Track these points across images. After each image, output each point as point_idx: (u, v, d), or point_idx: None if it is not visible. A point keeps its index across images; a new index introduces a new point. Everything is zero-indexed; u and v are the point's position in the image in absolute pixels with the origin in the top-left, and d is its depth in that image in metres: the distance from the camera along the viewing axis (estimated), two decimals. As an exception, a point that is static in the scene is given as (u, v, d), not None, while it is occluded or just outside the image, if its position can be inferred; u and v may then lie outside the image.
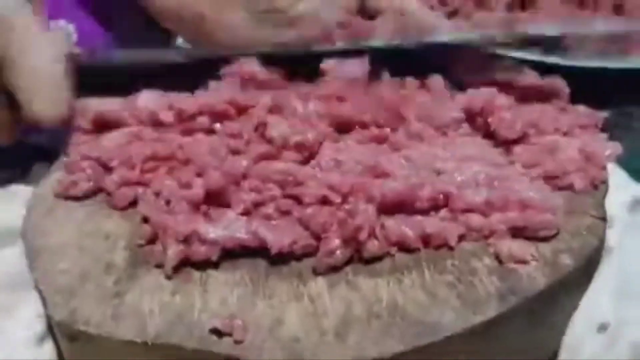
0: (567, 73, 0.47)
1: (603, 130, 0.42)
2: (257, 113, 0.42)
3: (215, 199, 0.35)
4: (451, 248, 0.33)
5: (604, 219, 0.35)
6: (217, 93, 0.44)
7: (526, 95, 0.44)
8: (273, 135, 0.40)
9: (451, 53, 0.47)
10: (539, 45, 0.69)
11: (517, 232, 0.33)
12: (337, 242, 0.32)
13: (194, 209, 0.35)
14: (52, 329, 0.35)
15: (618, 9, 0.73)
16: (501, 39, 0.50)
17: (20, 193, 0.45)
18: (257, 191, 0.36)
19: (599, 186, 0.37)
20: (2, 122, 0.45)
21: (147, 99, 0.45)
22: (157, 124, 0.43)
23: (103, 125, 0.44)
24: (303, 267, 0.33)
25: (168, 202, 0.36)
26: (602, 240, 0.35)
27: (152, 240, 0.35)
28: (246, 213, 0.35)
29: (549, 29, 0.49)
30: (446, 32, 0.49)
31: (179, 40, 0.67)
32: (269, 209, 0.35)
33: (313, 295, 0.31)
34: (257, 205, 0.35)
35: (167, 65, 0.48)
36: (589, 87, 0.46)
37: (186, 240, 0.33)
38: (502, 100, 0.42)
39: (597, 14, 0.73)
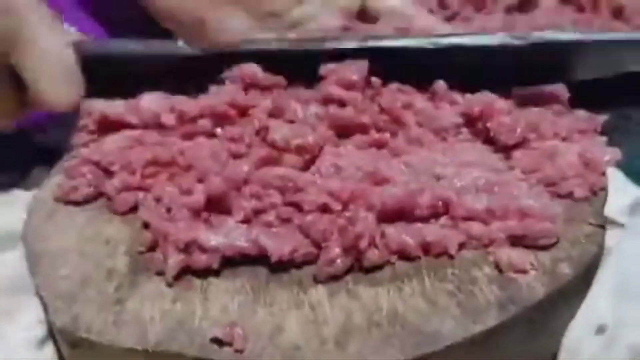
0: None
1: (602, 133, 0.42)
2: (257, 116, 0.42)
3: (216, 205, 0.35)
4: (451, 256, 0.33)
5: (603, 226, 0.35)
6: (218, 95, 0.44)
7: (526, 101, 0.44)
8: (275, 138, 0.40)
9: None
10: None
11: (516, 241, 0.33)
12: (337, 250, 0.32)
13: (194, 216, 0.35)
14: (53, 334, 0.35)
15: (617, 13, 0.73)
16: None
17: (20, 196, 0.45)
18: (258, 197, 0.36)
19: (598, 193, 0.37)
20: (7, 104, 0.45)
21: (150, 101, 0.45)
22: (159, 126, 0.43)
23: (106, 126, 0.44)
24: (303, 275, 0.33)
25: (169, 209, 0.36)
26: (601, 248, 0.35)
27: (152, 247, 0.35)
28: (247, 220, 0.35)
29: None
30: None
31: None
32: (270, 217, 0.35)
33: (313, 303, 0.31)
34: (258, 212, 0.35)
35: (175, 58, 0.47)
36: (588, 90, 0.46)
37: (187, 248, 0.33)
38: (501, 104, 0.42)
39: (596, 18, 0.73)
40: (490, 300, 0.30)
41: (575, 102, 0.45)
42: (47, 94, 0.44)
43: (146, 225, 0.36)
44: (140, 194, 0.39)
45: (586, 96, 0.45)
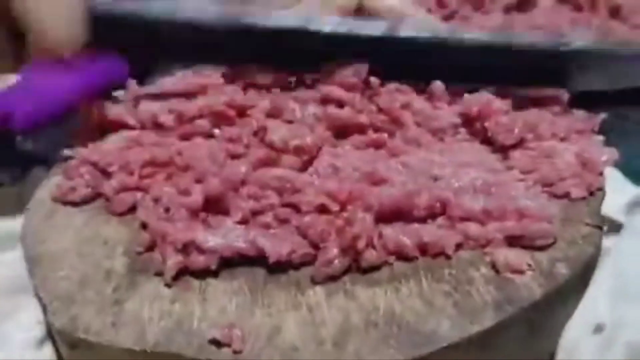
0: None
1: (600, 132, 0.43)
2: (256, 116, 0.42)
3: (214, 206, 0.36)
4: (448, 257, 0.33)
5: (600, 227, 0.35)
6: (216, 96, 0.44)
7: (525, 103, 0.44)
8: (273, 139, 0.40)
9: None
10: None
11: (513, 241, 0.33)
12: (335, 251, 0.32)
13: (192, 216, 0.35)
14: (52, 334, 0.35)
15: (614, 12, 0.73)
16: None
17: (19, 197, 0.45)
18: (256, 198, 0.36)
19: (595, 193, 0.37)
20: (4, 59, 0.44)
21: (149, 103, 0.45)
22: (157, 126, 0.43)
23: (105, 127, 0.44)
24: (301, 276, 0.33)
25: (167, 209, 0.36)
26: (598, 249, 0.35)
27: (150, 248, 0.35)
28: (244, 221, 0.35)
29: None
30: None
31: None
32: (267, 218, 0.35)
33: (311, 304, 0.31)
34: (256, 213, 0.35)
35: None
36: (587, 90, 0.46)
37: (185, 248, 0.33)
38: (499, 104, 0.42)
39: (593, 17, 0.73)
40: (487, 301, 0.31)
41: (573, 102, 0.45)
42: (51, 34, 0.42)
43: (144, 226, 0.36)
44: (139, 195, 0.39)
45: (584, 96, 0.45)
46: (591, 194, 0.37)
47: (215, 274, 0.33)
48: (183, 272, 0.33)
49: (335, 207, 0.34)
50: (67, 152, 0.43)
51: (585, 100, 0.45)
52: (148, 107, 0.44)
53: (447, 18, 0.73)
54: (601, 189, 0.38)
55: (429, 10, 0.73)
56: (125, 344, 0.30)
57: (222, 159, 0.39)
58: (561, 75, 0.45)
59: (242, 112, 0.43)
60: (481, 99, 0.43)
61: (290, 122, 0.42)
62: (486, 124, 0.41)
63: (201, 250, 0.33)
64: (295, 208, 0.35)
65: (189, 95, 0.45)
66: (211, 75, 0.47)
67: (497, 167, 0.39)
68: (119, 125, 0.44)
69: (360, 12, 0.58)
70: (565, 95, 0.45)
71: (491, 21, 0.73)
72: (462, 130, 0.43)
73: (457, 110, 0.43)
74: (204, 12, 0.46)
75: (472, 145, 0.42)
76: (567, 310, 0.34)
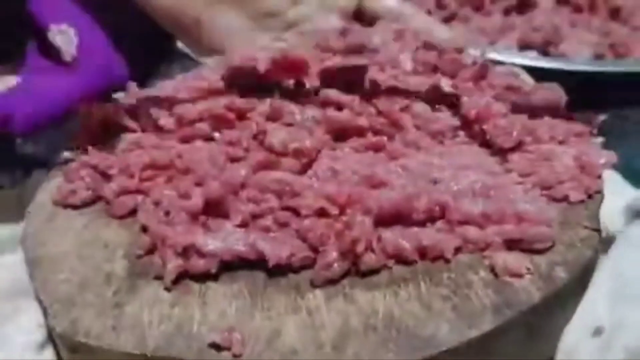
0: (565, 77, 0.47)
1: (599, 134, 0.43)
2: (255, 119, 0.42)
3: (213, 209, 0.36)
4: (447, 260, 0.33)
5: (598, 230, 0.35)
6: (216, 99, 0.45)
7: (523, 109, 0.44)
8: (272, 142, 0.40)
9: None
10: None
11: (512, 245, 0.34)
12: (334, 255, 0.32)
13: (192, 220, 0.35)
14: (53, 337, 0.35)
15: (614, 13, 0.73)
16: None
17: (20, 199, 0.45)
18: (255, 202, 0.36)
19: (593, 196, 0.38)
20: None
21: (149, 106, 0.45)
22: (157, 129, 0.44)
23: (105, 130, 0.44)
24: (301, 280, 0.33)
25: (167, 212, 0.36)
26: (596, 252, 0.35)
27: (151, 251, 0.35)
28: (244, 224, 0.35)
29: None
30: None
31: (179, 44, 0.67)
32: (267, 221, 0.35)
33: (311, 307, 0.31)
34: (255, 216, 0.35)
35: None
36: (585, 91, 0.46)
37: (185, 252, 0.33)
38: (498, 107, 0.42)
39: (593, 18, 0.73)
40: (486, 305, 0.31)
41: (573, 104, 0.45)
42: None
43: (144, 229, 0.36)
44: (139, 198, 0.39)
45: (584, 97, 0.46)
46: (589, 197, 0.37)
47: (215, 277, 0.33)
48: (183, 276, 0.33)
49: (334, 211, 0.34)
50: (67, 154, 0.43)
51: (585, 102, 0.46)
52: (148, 110, 0.44)
53: (447, 19, 0.73)
54: (599, 192, 0.38)
55: (429, 12, 0.73)
56: (126, 347, 0.30)
57: (222, 162, 0.39)
58: None
59: (241, 115, 0.43)
60: (480, 103, 0.43)
61: (289, 125, 0.42)
62: (485, 127, 0.41)
63: (201, 254, 0.33)
64: (295, 211, 0.35)
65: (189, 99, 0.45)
66: (211, 78, 0.48)
67: (495, 169, 0.39)
68: (119, 128, 0.44)
69: (360, 13, 0.58)
70: (563, 98, 0.45)
71: (491, 22, 0.73)
72: (461, 133, 0.43)
73: (456, 113, 0.43)
74: None
75: (471, 148, 0.42)
76: (565, 313, 0.34)
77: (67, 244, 0.37)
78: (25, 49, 0.57)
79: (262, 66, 0.46)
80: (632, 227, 0.47)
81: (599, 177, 0.38)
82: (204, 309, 0.32)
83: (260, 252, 0.33)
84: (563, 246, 0.34)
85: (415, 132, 0.42)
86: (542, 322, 0.32)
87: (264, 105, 0.43)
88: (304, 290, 0.32)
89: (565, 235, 0.35)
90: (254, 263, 0.33)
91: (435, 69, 0.48)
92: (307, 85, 0.46)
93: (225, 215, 0.36)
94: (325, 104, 0.44)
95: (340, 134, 0.42)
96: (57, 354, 0.35)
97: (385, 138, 0.42)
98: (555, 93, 0.45)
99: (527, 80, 0.54)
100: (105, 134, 0.45)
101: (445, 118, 0.43)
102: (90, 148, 0.43)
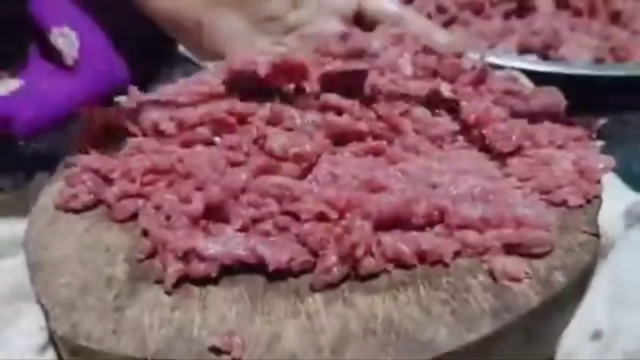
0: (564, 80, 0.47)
1: (599, 137, 0.43)
2: (256, 124, 0.43)
3: (214, 214, 0.36)
4: (446, 265, 0.33)
5: (597, 235, 0.36)
6: (217, 103, 0.45)
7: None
8: (273, 146, 0.40)
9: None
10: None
11: (511, 249, 0.34)
12: (334, 259, 0.33)
13: (193, 224, 0.35)
14: (54, 340, 0.35)
15: (614, 17, 0.73)
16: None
17: (22, 203, 0.46)
18: (255, 206, 0.36)
19: (592, 201, 0.38)
20: None
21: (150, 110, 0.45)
22: (158, 133, 0.44)
23: (107, 133, 0.45)
24: (300, 284, 0.33)
25: (168, 217, 0.36)
26: (595, 256, 0.35)
27: (151, 255, 0.35)
28: (244, 229, 0.35)
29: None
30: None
31: (180, 48, 0.68)
32: (267, 225, 0.35)
33: (310, 311, 0.31)
34: (255, 221, 0.36)
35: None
36: (585, 95, 0.46)
37: (185, 256, 0.33)
38: (497, 112, 0.43)
39: (593, 23, 0.73)
40: (485, 309, 0.31)
41: (573, 108, 0.45)
42: None
43: (145, 233, 0.37)
44: (140, 202, 0.39)
45: (584, 101, 0.46)
46: (588, 201, 0.37)
47: (215, 281, 0.33)
48: (183, 280, 0.33)
49: (334, 215, 0.35)
50: (69, 158, 0.43)
51: (585, 106, 0.46)
52: (149, 114, 0.44)
53: (447, 23, 0.73)
54: (598, 197, 0.38)
55: (429, 15, 0.73)
56: (126, 351, 0.30)
57: (223, 166, 0.39)
58: None
59: (242, 119, 0.43)
60: (479, 107, 0.43)
61: (289, 129, 0.42)
62: (484, 132, 0.41)
63: (201, 258, 0.33)
64: (295, 216, 0.35)
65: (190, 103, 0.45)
66: (212, 83, 0.48)
67: (495, 174, 0.39)
68: (120, 132, 0.44)
69: (360, 18, 0.59)
70: (563, 103, 0.45)
71: (491, 26, 0.73)
72: (460, 137, 0.43)
73: (455, 118, 0.44)
74: None
75: (470, 152, 0.42)
76: (564, 317, 0.34)
77: (68, 247, 0.37)
78: (27, 52, 0.58)
79: (262, 70, 0.46)
80: (632, 232, 0.47)
81: (598, 181, 0.39)
82: (204, 312, 0.32)
83: (260, 257, 0.33)
84: (562, 251, 0.34)
85: (415, 136, 0.43)
86: (541, 326, 0.32)
87: (265, 110, 0.44)
88: (303, 294, 0.32)
89: (564, 240, 0.35)
90: (254, 267, 0.34)
91: (434, 74, 0.48)
92: (307, 90, 0.47)
93: (226, 220, 0.36)
94: (325, 108, 0.44)
95: (340, 138, 0.43)
96: (58, 356, 0.36)
97: (384, 142, 0.42)
98: (554, 97, 0.45)
99: (527, 84, 0.54)
100: (107, 138, 0.45)
101: (444, 123, 0.43)
102: (91, 152, 0.43)
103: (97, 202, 0.40)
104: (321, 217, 0.35)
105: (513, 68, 0.58)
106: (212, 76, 0.50)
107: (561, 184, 0.38)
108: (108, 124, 0.45)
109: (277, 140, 0.40)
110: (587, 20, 0.75)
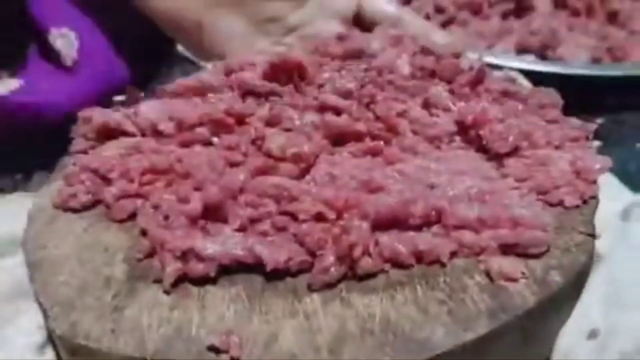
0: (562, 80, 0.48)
1: (596, 137, 0.43)
2: (254, 124, 0.43)
3: (212, 214, 0.36)
4: (443, 264, 0.34)
5: (593, 235, 0.36)
6: (215, 103, 0.45)
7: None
8: (271, 147, 0.40)
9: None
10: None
11: (507, 249, 0.34)
12: (331, 259, 0.33)
13: (191, 224, 0.35)
14: (53, 339, 0.36)
15: (612, 17, 0.73)
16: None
17: (21, 202, 0.46)
18: (253, 206, 0.36)
19: (588, 201, 0.38)
20: None
21: (149, 109, 0.45)
22: (156, 133, 0.44)
23: (105, 134, 0.45)
24: (298, 284, 0.33)
25: (166, 217, 0.36)
26: (591, 257, 0.35)
27: (150, 255, 0.35)
28: (242, 229, 0.35)
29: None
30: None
31: (179, 48, 0.68)
32: (265, 225, 0.35)
33: (308, 311, 0.32)
34: (253, 221, 0.36)
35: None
36: (582, 94, 0.47)
37: (184, 256, 0.33)
38: (494, 112, 0.43)
39: (591, 23, 0.73)
40: (481, 309, 0.31)
41: (570, 108, 0.45)
42: None
43: (144, 233, 0.37)
44: (139, 202, 0.39)
45: (581, 101, 0.46)
46: (585, 202, 0.38)
47: (213, 281, 0.34)
48: (182, 279, 0.34)
49: (331, 215, 0.35)
50: (67, 158, 0.43)
51: (582, 106, 0.46)
52: (148, 114, 0.44)
53: (446, 23, 0.74)
54: (595, 197, 0.38)
55: (427, 16, 0.73)
56: (125, 350, 0.30)
57: (221, 166, 0.39)
58: None
59: (240, 120, 0.43)
60: (476, 108, 0.43)
61: (288, 130, 0.42)
62: (481, 132, 0.42)
63: (200, 258, 0.33)
64: (293, 216, 0.35)
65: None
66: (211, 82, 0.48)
67: (492, 175, 0.40)
68: (119, 133, 0.44)
69: (359, 19, 0.59)
70: (560, 102, 0.45)
71: (489, 26, 0.73)
72: (457, 138, 0.43)
73: (453, 118, 0.44)
74: None
75: (468, 153, 0.42)
76: (560, 317, 0.35)
77: (67, 247, 0.38)
78: (26, 52, 0.58)
79: (260, 70, 0.46)
80: (628, 232, 0.47)
81: (595, 182, 0.39)
82: (203, 312, 0.32)
83: (258, 256, 0.33)
84: (558, 251, 0.34)
85: (413, 137, 0.43)
86: (537, 326, 0.33)
87: (263, 110, 0.44)
88: (301, 294, 0.33)
89: (561, 240, 0.35)
90: (252, 267, 0.34)
91: (432, 74, 0.49)
92: (306, 90, 0.47)
93: (224, 220, 0.36)
94: (323, 109, 0.44)
95: (339, 139, 0.43)
96: (57, 355, 0.36)
97: (382, 143, 0.42)
98: (552, 97, 0.46)
99: (525, 84, 0.54)
100: (106, 138, 0.45)
101: (442, 123, 0.43)
102: (90, 152, 0.43)
103: (96, 202, 0.40)
104: (319, 217, 0.35)
105: (511, 68, 0.58)
106: (210, 76, 0.50)
107: (558, 184, 0.38)
108: (107, 125, 0.45)
109: (276, 140, 0.41)
110: (584, 20, 0.75)
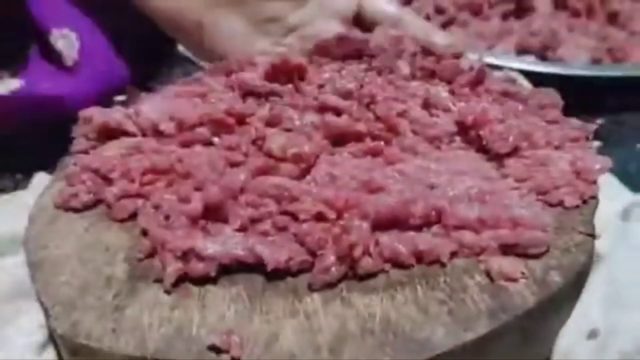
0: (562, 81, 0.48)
1: (596, 138, 0.43)
2: (255, 125, 0.43)
3: (213, 213, 0.36)
4: (443, 265, 0.34)
5: (592, 235, 0.36)
6: (216, 103, 0.45)
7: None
8: (271, 147, 0.40)
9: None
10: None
11: (507, 249, 0.34)
12: (332, 259, 0.33)
13: (192, 224, 0.35)
14: (54, 339, 0.36)
15: (612, 18, 0.73)
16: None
17: (23, 202, 0.46)
18: (254, 206, 0.36)
19: (588, 201, 0.38)
20: None
21: (149, 109, 0.45)
22: (157, 134, 0.44)
23: (106, 134, 0.45)
24: (299, 283, 0.33)
25: (167, 216, 0.36)
26: (590, 257, 0.35)
27: (151, 254, 0.35)
28: (243, 228, 0.35)
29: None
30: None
31: (180, 48, 0.68)
32: (266, 225, 0.35)
33: (308, 311, 0.32)
34: (254, 221, 0.36)
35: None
36: (582, 95, 0.47)
37: (184, 256, 0.34)
38: (494, 113, 0.43)
39: (591, 23, 0.73)
40: (482, 309, 0.31)
41: (570, 108, 0.45)
42: None
43: (145, 233, 0.37)
44: (139, 202, 0.39)
45: (581, 102, 0.46)
46: (584, 202, 0.38)
47: (214, 280, 0.34)
48: (183, 279, 0.34)
49: (332, 215, 0.35)
50: (69, 158, 0.43)
51: (582, 107, 0.46)
52: (148, 114, 0.45)
53: (446, 24, 0.74)
54: (594, 197, 0.38)
55: (428, 17, 0.74)
56: (126, 350, 0.31)
57: (222, 166, 0.39)
58: None
59: (241, 120, 0.43)
60: (476, 108, 0.43)
61: (288, 130, 0.42)
62: (481, 133, 0.42)
63: (200, 258, 0.33)
64: (293, 216, 0.35)
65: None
66: (211, 83, 0.48)
67: (492, 175, 0.40)
68: (120, 133, 0.44)
69: (359, 19, 0.59)
70: (560, 103, 0.45)
71: (489, 27, 0.73)
72: (458, 138, 0.43)
73: (453, 119, 0.44)
74: None
75: (468, 153, 0.42)
76: (560, 317, 0.35)
77: (68, 246, 0.38)
78: (27, 52, 0.58)
79: (261, 70, 0.46)
80: (628, 232, 0.47)
81: (594, 182, 0.39)
82: (203, 312, 0.32)
83: (258, 256, 0.33)
84: (558, 251, 0.34)
85: (413, 137, 0.43)
86: (537, 326, 0.33)
87: (264, 111, 0.44)
88: (301, 293, 0.33)
89: (560, 240, 0.35)
90: (252, 267, 0.34)
91: (433, 74, 0.49)
92: (306, 91, 0.47)
93: (225, 220, 0.36)
94: (323, 109, 0.44)
95: (339, 139, 0.43)
96: (58, 355, 0.36)
97: (382, 143, 0.42)
98: (552, 98, 0.46)
99: (525, 85, 0.54)
100: (107, 138, 0.45)
101: (442, 123, 0.44)
102: (91, 152, 0.43)
103: (97, 202, 0.41)
104: (319, 217, 0.35)
105: (511, 69, 0.58)
106: (210, 76, 0.50)
107: (558, 184, 0.38)
108: (107, 125, 0.45)
109: (276, 140, 0.41)
110: (584, 21, 0.75)
